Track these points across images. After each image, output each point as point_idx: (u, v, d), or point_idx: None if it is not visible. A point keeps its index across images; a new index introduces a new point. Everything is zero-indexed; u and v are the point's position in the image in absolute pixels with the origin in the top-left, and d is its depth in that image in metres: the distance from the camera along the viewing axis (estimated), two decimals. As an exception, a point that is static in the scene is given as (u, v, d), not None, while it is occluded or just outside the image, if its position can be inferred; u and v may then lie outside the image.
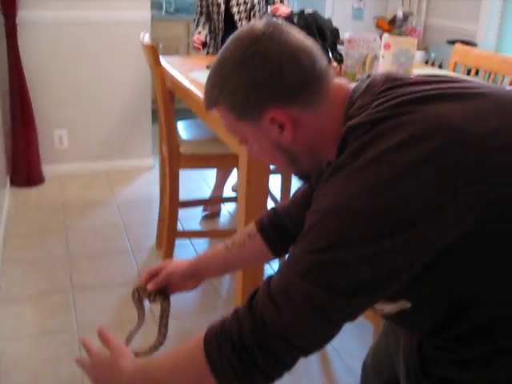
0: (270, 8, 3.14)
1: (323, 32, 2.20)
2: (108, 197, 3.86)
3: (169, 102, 2.64)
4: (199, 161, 2.72)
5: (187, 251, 3.14)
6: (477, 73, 3.37)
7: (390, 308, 1.04)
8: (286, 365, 0.95)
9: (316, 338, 0.93)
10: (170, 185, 2.74)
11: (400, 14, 4.75)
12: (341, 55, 2.37)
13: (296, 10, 5.25)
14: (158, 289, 1.40)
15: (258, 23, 1.04)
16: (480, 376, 1.01)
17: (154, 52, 2.51)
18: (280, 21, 1.07)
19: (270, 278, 0.97)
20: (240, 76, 1.01)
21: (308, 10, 2.26)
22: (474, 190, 0.85)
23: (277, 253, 1.43)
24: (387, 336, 1.39)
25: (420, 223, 0.85)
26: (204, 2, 3.47)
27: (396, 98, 0.95)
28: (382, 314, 1.09)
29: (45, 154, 4.03)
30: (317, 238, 0.91)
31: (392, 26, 4.78)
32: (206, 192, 3.86)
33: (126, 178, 4.17)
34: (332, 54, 2.32)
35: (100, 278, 2.87)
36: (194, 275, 1.44)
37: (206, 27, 3.48)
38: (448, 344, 1.02)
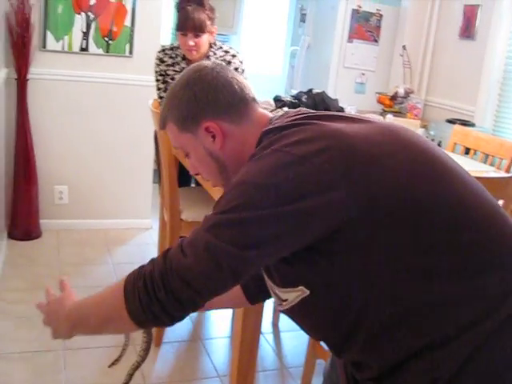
0: None
1: (329, 111, 2.26)
2: (104, 256, 3.86)
3: (173, 168, 2.69)
4: (200, 228, 2.74)
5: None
6: (475, 153, 3.44)
7: (291, 296, 1.19)
8: (184, 305, 1.14)
9: (209, 283, 1.12)
10: (169, 250, 2.75)
11: (401, 90, 4.87)
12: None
13: (302, 85, 5.39)
14: None
15: (202, 65, 1.34)
16: None
17: (163, 120, 2.57)
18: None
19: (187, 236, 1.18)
20: (184, 92, 1.29)
21: (316, 90, 2.33)
22: (354, 184, 1.06)
23: (250, 297, 1.60)
24: (332, 368, 1.51)
25: (299, 201, 1.06)
26: (165, 79, 3.19)
27: (303, 114, 1.24)
28: (287, 306, 1.23)
29: (44, 209, 4.06)
30: (223, 203, 1.13)
31: (393, 102, 4.89)
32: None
33: (124, 238, 4.18)
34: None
35: (92, 338, 2.84)
36: None
37: None
38: (362, 357, 1.18)
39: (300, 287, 1.16)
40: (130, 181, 4.29)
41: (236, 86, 1.30)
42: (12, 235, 3.91)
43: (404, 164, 1.12)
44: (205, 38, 2.95)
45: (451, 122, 4.38)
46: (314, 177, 1.06)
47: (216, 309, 1.71)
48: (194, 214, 2.74)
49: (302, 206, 1.06)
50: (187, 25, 2.87)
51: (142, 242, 4.17)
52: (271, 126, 1.23)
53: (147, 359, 1.47)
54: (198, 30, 2.90)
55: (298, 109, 1.33)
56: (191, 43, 2.90)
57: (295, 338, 3.08)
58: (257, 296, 1.60)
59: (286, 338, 3.08)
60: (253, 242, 1.09)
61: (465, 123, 4.30)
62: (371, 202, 1.06)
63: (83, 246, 3.96)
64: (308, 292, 1.15)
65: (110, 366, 1.51)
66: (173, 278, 1.11)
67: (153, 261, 1.18)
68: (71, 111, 4.01)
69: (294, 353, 2.96)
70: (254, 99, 1.33)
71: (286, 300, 1.22)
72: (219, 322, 3.20)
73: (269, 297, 1.55)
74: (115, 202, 4.29)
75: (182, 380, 2.65)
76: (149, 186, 4.37)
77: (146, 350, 1.44)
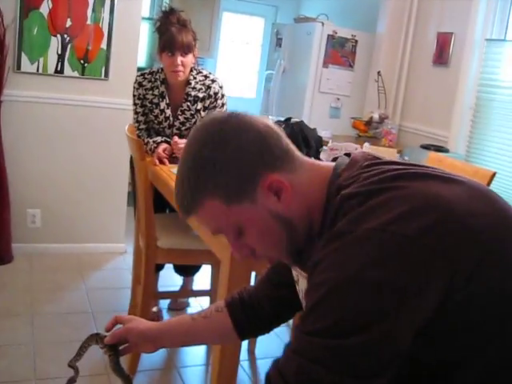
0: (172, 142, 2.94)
1: (308, 140, 2.27)
2: (77, 281, 3.79)
3: (149, 194, 2.66)
4: (177, 255, 2.72)
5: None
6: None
7: None
8: None
9: None
10: (144, 277, 2.72)
11: (376, 116, 4.91)
12: (323, 162, 2.43)
13: (277, 109, 5.40)
14: (112, 344, 1.40)
15: (220, 113, 1.11)
16: None
17: (140, 147, 2.55)
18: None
19: (281, 368, 0.95)
20: (224, 155, 1.01)
21: (294, 119, 2.33)
22: (464, 263, 0.90)
23: (240, 331, 1.43)
24: None
25: (425, 289, 0.88)
26: (144, 102, 3.11)
27: (385, 173, 1.00)
28: None
29: (16, 232, 3.98)
30: (326, 317, 0.90)
31: (368, 127, 4.93)
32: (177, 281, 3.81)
33: (97, 262, 4.12)
34: (315, 161, 2.38)
35: (65, 367, 2.76)
36: (152, 340, 1.42)
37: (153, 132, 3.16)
38: None
39: None
40: (105, 205, 4.24)
41: (276, 132, 1.07)
42: (-18, 259, 3.83)
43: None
44: (190, 58, 2.94)
45: (425, 147, 4.42)
46: (425, 261, 0.88)
47: (200, 343, 1.65)
48: (170, 241, 2.72)
49: (424, 299, 0.88)
50: (175, 44, 2.86)
51: (116, 266, 4.12)
52: (352, 189, 0.99)
53: None
54: (186, 49, 2.89)
55: (361, 152, 1.12)
56: (179, 62, 2.88)
57: (271, 366, 3.04)
58: (247, 329, 1.46)
59: (262, 366, 3.05)
60: (382, 365, 0.89)
61: (439, 149, 4.34)
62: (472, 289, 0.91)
63: (56, 271, 3.89)
64: None
65: None
66: None
67: None
68: (45, 134, 3.96)
69: (270, 381, 2.92)
70: (289, 144, 1.09)
71: None
72: (195, 349, 3.15)
73: (261, 332, 1.50)
74: (89, 226, 4.23)
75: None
76: (123, 210, 4.32)
77: (123, 370, 1.39)
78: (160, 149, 2.89)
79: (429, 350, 0.95)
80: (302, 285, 1.27)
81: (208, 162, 1.01)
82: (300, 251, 1.11)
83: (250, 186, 1.01)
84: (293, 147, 1.09)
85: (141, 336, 1.41)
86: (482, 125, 4.47)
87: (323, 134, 3.07)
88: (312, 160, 1.12)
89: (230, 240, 1.10)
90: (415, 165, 1.08)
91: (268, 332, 1.50)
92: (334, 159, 1.15)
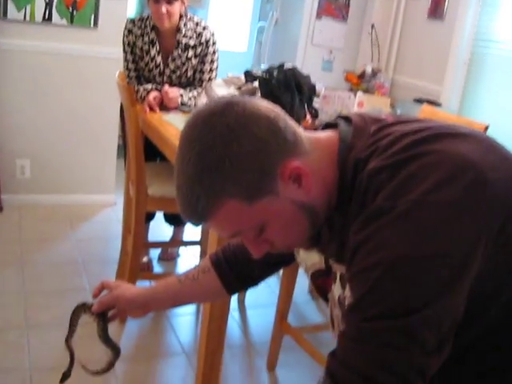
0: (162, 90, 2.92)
1: (301, 87, 2.24)
2: (67, 232, 3.78)
3: (140, 142, 2.63)
4: (167, 204, 2.70)
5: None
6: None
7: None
8: None
9: None
10: (134, 226, 2.71)
11: (369, 69, 4.85)
12: (316, 110, 2.41)
13: (269, 62, 5.34)
14: (100, 312, 1.39)
15: (213, 102, 0.99)
16: None
17: (130, 93, 2.51)
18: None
19: (346, 362, 0.90)
20: (238, 149, 0.92)
21: (288, 65, 2.29)
22: (504, 215, 0.90)
23: (229, 288, 1.43)
24: None
25: (474, 258, 0.88)
26: (134, 50, 3.06)
27: (401, 139, 0.97)
28: None
29: (5, 183, 3.95)
30: (386, 299, 0.88)
31: (361, 80, 4.88)
32: (168, 233, 3.81)
33: (87, 213, 4.11)
34: (308, 108, 2.35)
35: (56, 315, 2.79)
36: (140, 306, 1.42)
37: (143, 79, 3.12)
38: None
39: None
40: (94, 155, 4.20)
41: (278, 112, 0.99)
42: (-29, 210, 3.82)
43: None
44: (177, 6, 2.88)
45: (418, 101, 4.39)
46: (473, 225, 0.88)
47: (189, 303, 1.62)
48: (161, 189, 2.70)
49: (476, 263, 0.89)
50: None
51: (105, 218, 4.11)
52: (377, 162, 0.95)
53: (113, 335, 1.43)
54: None
55: (358, 114, 1.07)
56: (163, 10, 2.82)
57: (261, 315, 3.07)
58: (236, 286, 1.44)
59: (252, 315, 3.07)
60: (446, 336, 0.89)
61: (431, 103, 4.32)
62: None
63: (46, 222, 3.88)
64: None
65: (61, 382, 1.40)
66: None
67: None
68: (34, 83, 3.89)
69: (260, 330, 2.95)
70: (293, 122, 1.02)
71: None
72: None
73: (250, 286, 1.49)
74: (79, 177, 4.20)
75: (147, 357, 2.62)
76: (113, 161, 4.29)
77: (109, 366, 1.38)
78: (150, 96, 2.84)
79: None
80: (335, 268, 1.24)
81: (221, 160, 0.91)
82: (318, 236, 1.08)
83: (270, 178, 0.94)
84: (296, 124, 1.01)
85: (128, 303, 1.40)
86: (476, 79, 4.43)
87: (322, 91, 3.03)
88: (313, 133, 1.05)
89: (249, 239, 1.03)
90: (419, 120, 1.06)
91: (257, 285, 1.50)
92: (327, 125, 1.10)
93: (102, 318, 1.39)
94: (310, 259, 1.39)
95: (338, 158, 1.00)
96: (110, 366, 1.38)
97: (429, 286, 0.86)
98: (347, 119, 1.07)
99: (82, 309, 1.41)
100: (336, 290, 1.20)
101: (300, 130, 1.01)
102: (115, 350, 1.39)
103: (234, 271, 1.41)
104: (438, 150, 0.93)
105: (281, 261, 1.43)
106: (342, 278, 1.16)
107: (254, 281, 1.47)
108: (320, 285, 1.38)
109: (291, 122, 1.00)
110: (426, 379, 0.87)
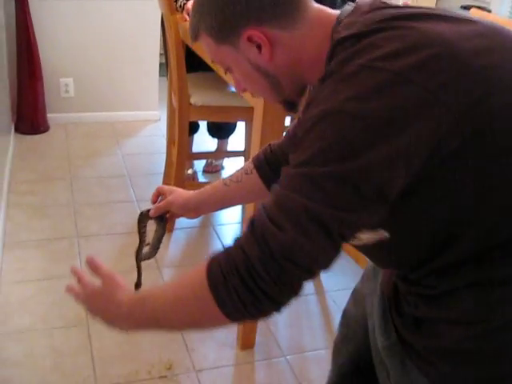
0: None
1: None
2: (113, 147, 3.84)
3: (181, 51, 2.61)
4: (209, 112, 2.70)
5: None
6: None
7: (367, 237, 1.01)
8: (294, 289, 0.92)
9: (320, 255, 0.89)
10: (178, 136, 2.72)
11: (415, -24, 4.67)
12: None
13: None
14: (159, 215, 1.46)
15: None
16: (447, 311, 0.99)
17: (169, 2, 2.48)
18: None
19: (264, 203, 0.94)
20: None
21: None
22: (457, 98, 0.84)
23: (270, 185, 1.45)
24: (368, 281, 1.37)
25: (409, 127, 0.83)
26: None
27: (384, 15, 0.94)
28: (359, 244, 1.06)
29: (50, 103, 4.00)
30: (309, 148, 0.88)
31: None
32: (212, 146, 3.81)
33: (132, 130, 4.15)
34: None
35: (104, 226, 2.87)
36: (193, 209, 1.48)
37: None
38: (424, 279, 1.01)
39: (380, 230, 0.99)
40: (137, 72, 4.20)
41: None
42: (19, 129, 3.88)
43: None
44: None
45: (466, 7, 4.23)
46: (413, 97, 0.83)
47: (236, 204, 1.66)
48: (203, 98, 2.69)
49: (413, 135, 0.83)
50: None
51: (150, 133, 4.14)
52: (346, 32, 0.94)
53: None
54: None
55: (381, 1, 1.01)
56: None
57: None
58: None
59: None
60: (363, 198, 0.86)
61: (481, 9, 4.15)
62: (481, 133, 0.86)
63: (91, 139, 3.94)
64: (387, 235, 0.99)
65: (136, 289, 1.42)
66: (277, 264, 0.88)
67: (240, 244, 0.92)
68: (74, 2, 3.87)
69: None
70: None
71: (359, 239, 1.03)
72: (230, 208, 3.21)
73: None
74: (122, 95, 4.22)
75: (194, 264, 2.67)
76: (155, 78, 4.28)
77: (158, 244, 1.45)
78: (189, 3, 2.76)
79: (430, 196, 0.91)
80: None
81: (203, 3, 1.04)
82: (292, 103, 1.13)
83: (231, 33, 1.01)
84: (305, 1, 1.01)
85: (182, 207, 1.46)
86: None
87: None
88: (320, 10, 1.03)
89: (233, 75, 1.13)
90: (430, 8, 0.98)
91: None
92: None
93: (162, 220, 1.47)
94: None
95: (330, 35, 0.99)
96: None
97: (349, 141, 0.85)
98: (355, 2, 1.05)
99: (144, 217, 1.47)
100: None
101: (311, 4, 1.02)
102: (139, 274, 1.44)
103: (275, 172, 1.41)
104: (411, 27, 0.89)
105: None
106: None
107: None
108: None
109: None
110: (327, 232, 0.87)
